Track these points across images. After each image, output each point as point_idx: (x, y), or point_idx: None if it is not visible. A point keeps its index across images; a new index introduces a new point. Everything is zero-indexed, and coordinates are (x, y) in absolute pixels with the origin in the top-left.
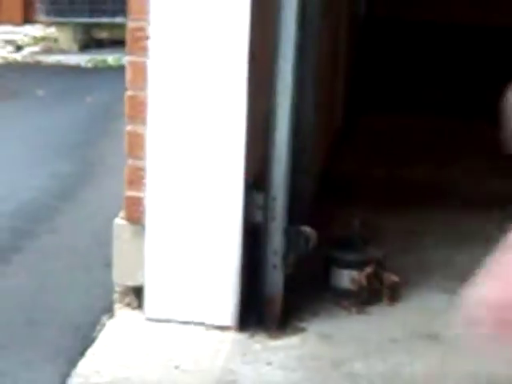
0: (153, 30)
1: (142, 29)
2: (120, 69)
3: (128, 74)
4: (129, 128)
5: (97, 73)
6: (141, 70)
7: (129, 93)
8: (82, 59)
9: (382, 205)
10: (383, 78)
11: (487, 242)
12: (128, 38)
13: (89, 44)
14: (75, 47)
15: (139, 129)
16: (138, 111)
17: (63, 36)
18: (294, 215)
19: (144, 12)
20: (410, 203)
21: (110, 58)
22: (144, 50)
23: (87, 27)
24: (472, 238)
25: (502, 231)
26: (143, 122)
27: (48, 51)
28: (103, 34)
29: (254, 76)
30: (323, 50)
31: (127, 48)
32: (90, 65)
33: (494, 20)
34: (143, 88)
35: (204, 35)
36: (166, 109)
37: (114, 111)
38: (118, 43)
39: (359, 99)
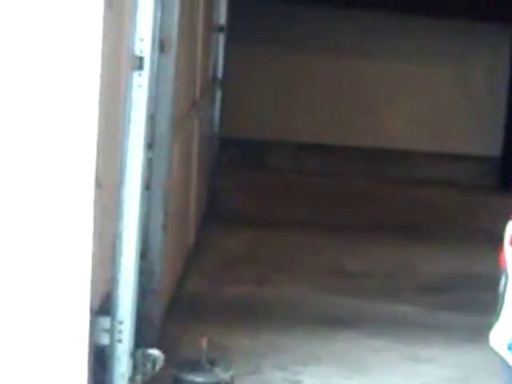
0: None
1: None
2: None
3: None
4: None
5: None
6: None
7: None
8: None
9: (232, 325)
10: (242, 195)
11: (336, 362)
12: None
13: None
14: None
15: None
16: None
17: None
18: (142, 337)
19: None
20: (259, 323)
21: None
22: None
23: None
24: (320, 359)
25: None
26: None
27: None
28: None
29: (99, 202)
30: (174, 170)
31: None
32: None
33: None
34: None
35: (49, 159)
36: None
37: None
38: None
39: (215, 216)
